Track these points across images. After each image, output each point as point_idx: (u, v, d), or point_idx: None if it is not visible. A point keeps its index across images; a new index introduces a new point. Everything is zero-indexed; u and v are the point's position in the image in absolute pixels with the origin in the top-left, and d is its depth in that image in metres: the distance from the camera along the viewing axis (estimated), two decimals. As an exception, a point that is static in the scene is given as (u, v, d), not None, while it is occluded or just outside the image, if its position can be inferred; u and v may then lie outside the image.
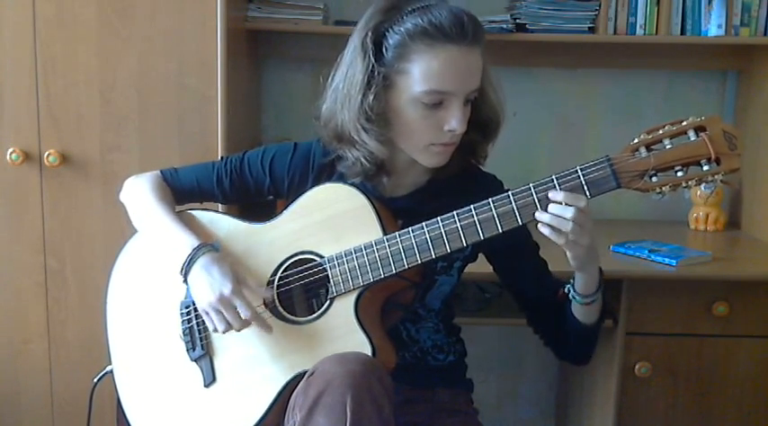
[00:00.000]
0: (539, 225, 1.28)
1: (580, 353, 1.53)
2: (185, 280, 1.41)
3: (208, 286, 1.36)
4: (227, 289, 1.34)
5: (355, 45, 1.36)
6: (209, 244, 1.41)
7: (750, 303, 2.01)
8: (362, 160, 1.39)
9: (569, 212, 1.25)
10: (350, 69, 1.37)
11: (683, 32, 2.30)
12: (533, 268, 1.51)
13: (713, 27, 2.27)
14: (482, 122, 1.42)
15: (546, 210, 1.27)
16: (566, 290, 1.42)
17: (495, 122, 1.44)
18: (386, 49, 1.33)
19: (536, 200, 1.28)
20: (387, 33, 1.33)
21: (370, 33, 1.34)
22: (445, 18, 1.30)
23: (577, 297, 1.40)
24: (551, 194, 1.26)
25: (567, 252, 1.30)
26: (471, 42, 1.32)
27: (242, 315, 1.35)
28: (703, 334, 2.02)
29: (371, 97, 1.33)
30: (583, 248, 1.28)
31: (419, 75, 1.31)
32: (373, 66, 1.33)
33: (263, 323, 1.37)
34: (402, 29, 1.32)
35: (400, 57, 1.32)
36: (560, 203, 1.26)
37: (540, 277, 1.51)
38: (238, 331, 1.37)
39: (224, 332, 1.37)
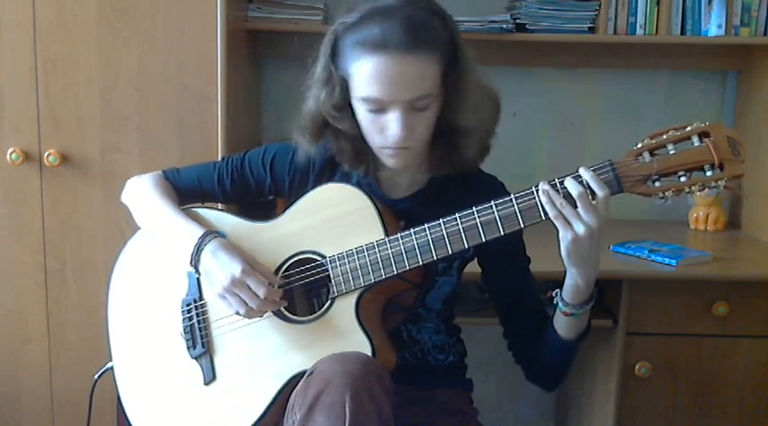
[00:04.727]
0: (540, 192, 1.26)
1: (549, 374, 1.51)
2: (197, 270, 1.41)
3: (219, 270, 1.37)
4: (237, 271, 1.35)
5: (324, 42, 1.38)
6: (214, 232, 1.42)
7: (750, 303, 2.01)
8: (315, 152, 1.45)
9: (576, 189, 1.24)
10: (317, 65, 1.39)
11: (683, 32, 2.30)
12: (520, 277, 1.51)
13: (713, 27, 2.26)
14: (453, 128, 1.39)
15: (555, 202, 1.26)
16: (553, 294, 1.40)
17: (465, 128, 1.38)
18: (340, 52, 1.35)
19: (538, 203, 1.27)
20: (340, 36, 1.34)
21: (331, 34, 1.36)
22: (376, 28, 1.29)
23: (560, 304, 1.37)
24: (581, 169, 1.25)
25: (560, 232, 1.26)
26: (405, 50, 1.28)
27: (257, 293, 1.35)
28: (703, 334, 2.02)
29: (326, 94, 1.37)
30: (573, 234, 1.25)
31: (357, 81, 1.32)
32: (330, 65, 1.36)
33: (277, 299, 1.38)
34: (347, 34, 1.33)
35: (346, 62, 1.34)
36: (581, 181, 1.25)
37: (524, 288, 1.51)
38: (257, 309, 1.36)
39: (246, 316, 1.38)
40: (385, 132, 1.34)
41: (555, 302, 1.39)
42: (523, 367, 1.54)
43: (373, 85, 1.30)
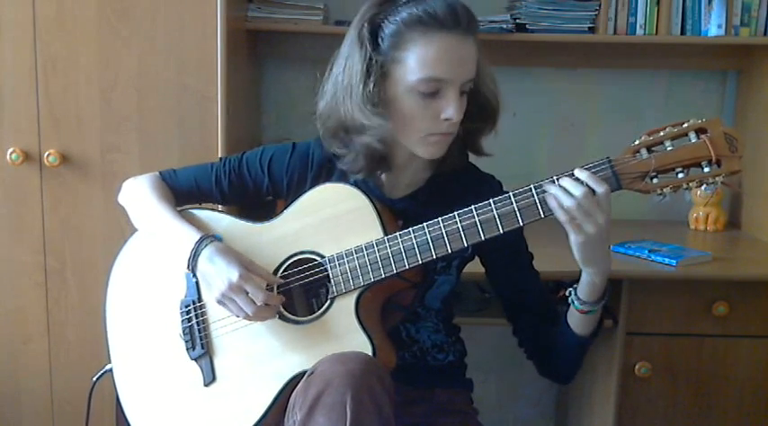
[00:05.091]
0: (547, 196, 1.27)
1: (562, 369, 1.51)
2: (194, 275, 1.41)
3: (216, 276, 1.37)
4: (234, 276, 1.35)
5: (352, 38, 1.37)
6: (210, 236, 1.42)
7: (750, 303, 2.00)
8: (373, 146, 1.38)
9: (578, 190, 1.24)
10: (348, 61, 1.37)
11: (683, 32, 2.30)
12: (525, 273, 1.51)
13: (713, 27, 2.26)
14: (479, 109, 1.42)
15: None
16: (567, 293, 1.41)
17: (492, 108, 1.43)
18: (381, 40, 1.34)
19: (537, 201, 1.27)
20: (382, 24, 1.34)
21: (366, 25, 1.35)
22: (439, 7, 1.31)
23: (576, 302, 1.38)
24: (577, 171, 1.26)
25: (569, 236, 1.28)
26: (465, 31, 1.33)
27: (254, 299, 1.34)
28: (703, 334, 2.02)
29: (372, 85, 1.34)
30: (584, 236, 1.26)
31: (415, 63, 1.32)
32: (371, 55, 1.34)
33: (276, 303, 1.38)
34: (397, 18, 1.33)
35: (396, 47, 1.33)
36: (581, 182, 1.25)
37: (529, 284, 1.51)
38: (255, 314, 1.36)
39: (245, 319, 1.38)
40: (439, 116, 1.34)
41: (570, 301, 1.39)
42: (536, 362, 1.55)
43: (438, 64, 1.31)
